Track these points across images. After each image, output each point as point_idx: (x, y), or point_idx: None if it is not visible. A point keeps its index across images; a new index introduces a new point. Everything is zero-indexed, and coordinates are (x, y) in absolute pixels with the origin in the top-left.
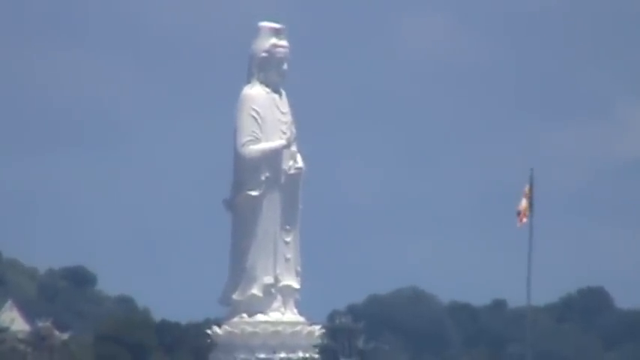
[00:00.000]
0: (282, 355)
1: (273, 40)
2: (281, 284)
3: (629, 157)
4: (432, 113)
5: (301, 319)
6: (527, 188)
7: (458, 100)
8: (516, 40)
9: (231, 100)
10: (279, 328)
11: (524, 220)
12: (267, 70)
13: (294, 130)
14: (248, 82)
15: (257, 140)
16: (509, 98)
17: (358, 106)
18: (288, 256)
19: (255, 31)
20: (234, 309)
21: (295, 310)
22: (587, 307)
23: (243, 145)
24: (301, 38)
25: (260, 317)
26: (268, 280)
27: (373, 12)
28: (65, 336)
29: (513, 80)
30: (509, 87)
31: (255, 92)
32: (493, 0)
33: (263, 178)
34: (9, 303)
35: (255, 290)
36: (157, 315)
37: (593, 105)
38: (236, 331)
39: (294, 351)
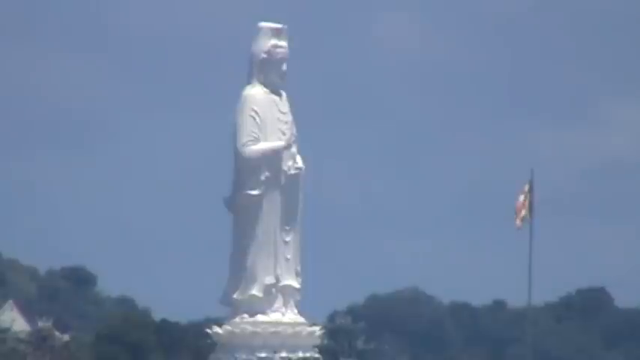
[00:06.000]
0: (283, 354)
1: (273, 41)
2: (281, 284)
3: (629, 157)
4: (431, 113)
5: (302, 319)
6: (526, 188)
7: (456, 100)
8: (504, 41)
9: (232, 100)
10: (280, 328)
11: (522, 221)
12: (267, 71)
13: (294, 131)
14: (248, 82)
15: (257, 140)
16: (502, 97)
17: (355, 107)
18: (288, 256)
19: (255, 32)
20: (235, 309)
21: (295, 311)
22: (587, 306)
23: (243, 144)
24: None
25: (260, 317)
26: (269, 280)
27: (359, 9)
28: (66, 336)
29: (506, 79)
30: (501, 86)
31: (255, 93)
32: (488, 1)
33: (263, 178)
34: (10, 303)
35: (256, 290)
36: (157, 315)
37: (592, 105)
38: (237, 330)
39: (294, 351)
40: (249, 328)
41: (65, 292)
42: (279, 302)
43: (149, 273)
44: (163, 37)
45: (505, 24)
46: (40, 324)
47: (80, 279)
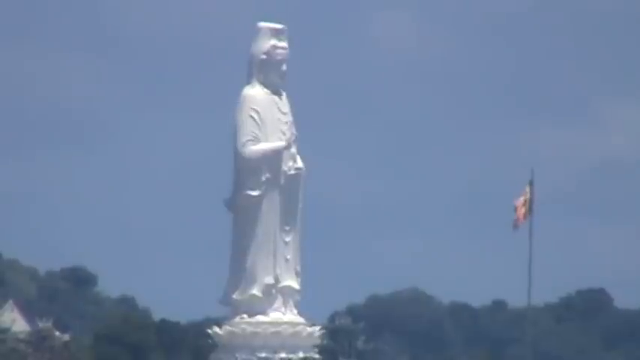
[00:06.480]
0: (283, 355)
1: (273, 41)
2: (281, 285)
3: (629, 157)
4: (430, 113)
5: (301, 319)
6: (526, 188)
7: (455, 100)
8: (503, 40)
9: (231, 100)
10: (280, 328)
11: (522, 221)
12: (267, 72)
13: (294, 131)
14: (248, 82)
15: (257, 140)
16: (502, 97)
17: (355, 107)
18: (288, 256)
19: (255, 32)
20: (235, 309)
21: (295, 311)
22: (587, 307)
23: (243, 145)
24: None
25: (260, 317)
26: (269, 280)
27: (357, 9)
28: (66, 337)
29: (506, 79)
30: (500, 86)
31: (255, 92)
32: (486, 2)
33: (263, 178)
34: (10, 303)
35: (256, 291)
36: (157, 315)
37: (592, 105)
38: (237, 330)
39: (294, 351)
40: (249, 328)
41: (65, 292)
42: (278, 302)
43: (149, 273)
44: (163, 37)
45: (505, 24)
46: (40, 324)
47: (80, 279)
